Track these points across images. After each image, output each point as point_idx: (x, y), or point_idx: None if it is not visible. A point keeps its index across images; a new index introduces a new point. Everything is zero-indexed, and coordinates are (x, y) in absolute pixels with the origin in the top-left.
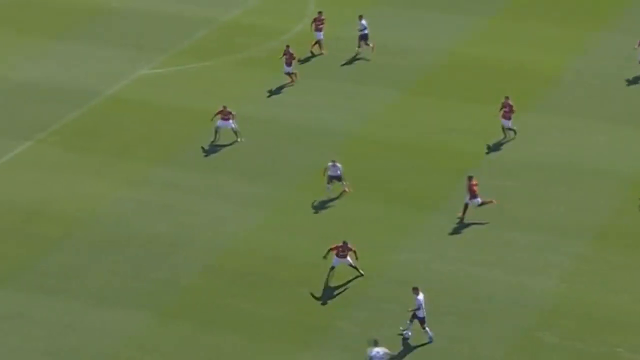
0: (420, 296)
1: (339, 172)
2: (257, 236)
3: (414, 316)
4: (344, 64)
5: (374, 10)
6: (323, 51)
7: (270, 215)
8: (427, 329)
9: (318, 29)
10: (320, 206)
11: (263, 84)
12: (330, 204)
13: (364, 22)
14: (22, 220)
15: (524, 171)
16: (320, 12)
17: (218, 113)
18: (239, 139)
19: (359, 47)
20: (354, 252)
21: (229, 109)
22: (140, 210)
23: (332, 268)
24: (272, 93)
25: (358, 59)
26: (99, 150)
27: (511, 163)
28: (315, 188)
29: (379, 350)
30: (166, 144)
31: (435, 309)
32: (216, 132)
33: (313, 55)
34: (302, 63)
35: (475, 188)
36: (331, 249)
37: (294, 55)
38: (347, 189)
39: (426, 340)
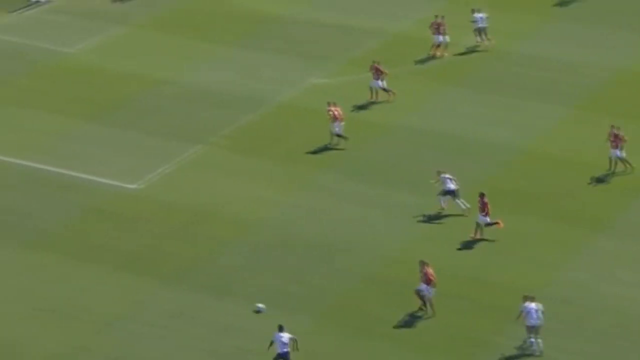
0: (532, 305)
1: (451, 185)
2: (417, 247)
3: (528, 327)
4: (511, 78)
5: (543, 27)
6: (445, 53)
7: (431, 226)
8: (532, 339)
9: (438, 32)
10: None
11: (430, 96)
12: (494, 218)
13: (478, 15)
14: (193, 221)
15: None
16: (436, 16)
17: (335, 115)
18: (337, 142)
19: (480, 40)
20: (431, 279)
21: (334, 107)
22: (304, 215)
23: (419, 293)
24: (438, 105)
25: (525, 74)
26: (268, 155)
27: None
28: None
29: (284, 335)
30: (332, 152)
31: (597, 330)
32: (339, 135)
33: (431, 57)
34: (470, 77)
35: (486, 206)
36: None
37: (382, 70)
38: (444, 205)
39: (529, 352)
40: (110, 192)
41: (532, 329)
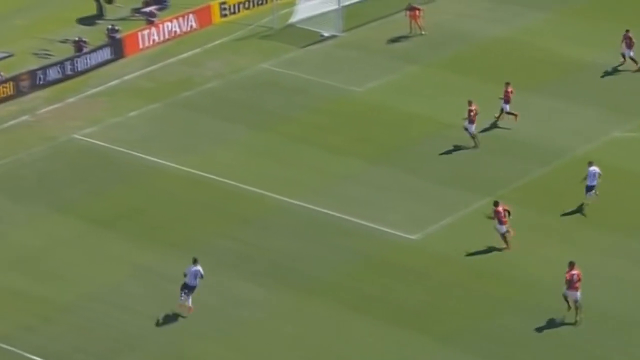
0: None
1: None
2: None
3: None
4: None
5: None
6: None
7: None
8: None
9: (629, 47)
10: None
11: None
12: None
13: None
14: (472, 277)
15: None
16: (627, 30)
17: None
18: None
19: None
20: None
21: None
22: (598, 282)
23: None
24: None
25: None
26: (559, 212)
27: None
28: None
29: (197, 268)
30: (634, 214)
31: None
32: (473, 136)
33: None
34: None
35: (501, 215)
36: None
37: (509, 92)
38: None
39: None
40: (389, 241)
41: None
